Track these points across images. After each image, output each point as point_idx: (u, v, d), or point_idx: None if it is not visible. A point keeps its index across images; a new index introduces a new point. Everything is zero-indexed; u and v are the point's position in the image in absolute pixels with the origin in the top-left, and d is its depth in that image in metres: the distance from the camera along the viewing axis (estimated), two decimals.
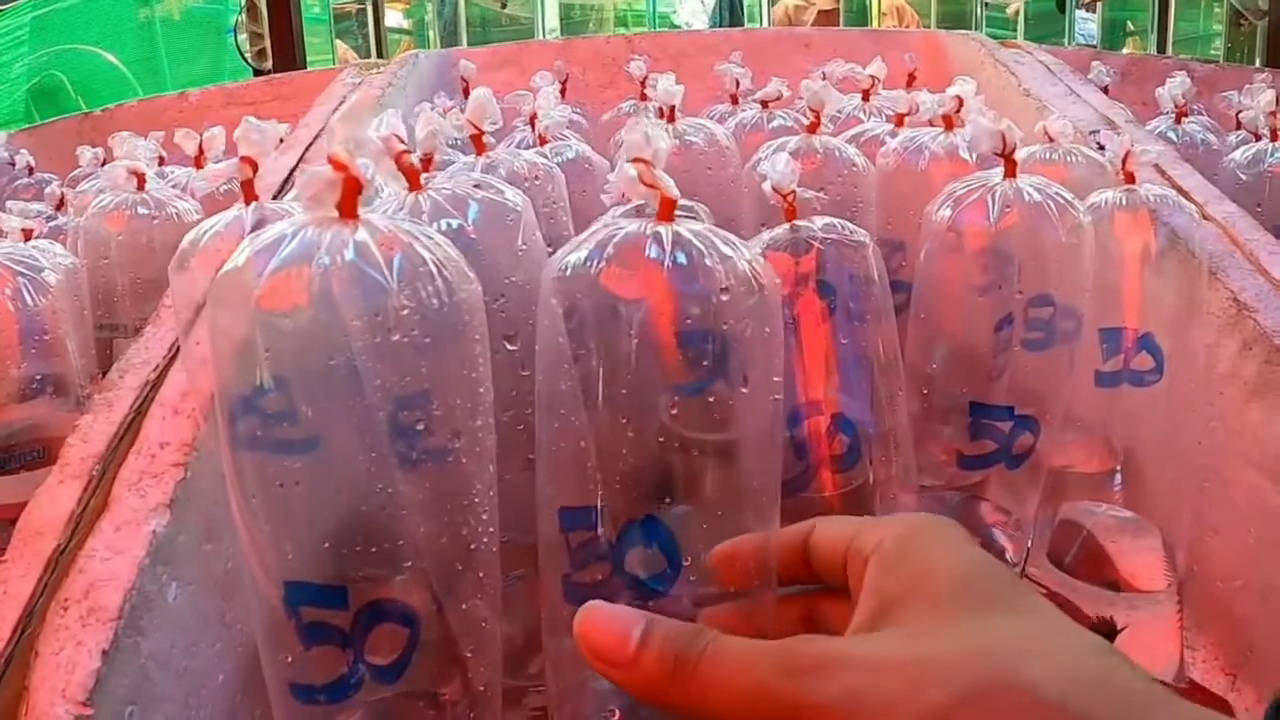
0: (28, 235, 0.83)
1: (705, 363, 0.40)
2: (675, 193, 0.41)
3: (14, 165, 1.40)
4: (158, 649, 0.46)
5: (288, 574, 0.37)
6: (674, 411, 0.39)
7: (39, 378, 0.73)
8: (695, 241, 0.40)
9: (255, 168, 0.53)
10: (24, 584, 0.47)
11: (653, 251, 0.39)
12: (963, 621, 0.30)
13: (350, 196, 0.35)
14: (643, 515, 0.40)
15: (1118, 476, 0.73)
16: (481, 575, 0.39)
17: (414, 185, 0.46)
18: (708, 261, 0.39)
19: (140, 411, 0.58)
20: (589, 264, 0.39)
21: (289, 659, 0.38)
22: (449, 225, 0.45)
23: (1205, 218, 0.79)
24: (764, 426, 0.41)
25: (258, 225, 0.52)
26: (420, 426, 0.36)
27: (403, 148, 0.45)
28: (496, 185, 0.48)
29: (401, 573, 0.38)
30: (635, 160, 0.41)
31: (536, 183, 0.59)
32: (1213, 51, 3.25)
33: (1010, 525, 0.73)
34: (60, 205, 1.17)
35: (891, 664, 0.29)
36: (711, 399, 0.40)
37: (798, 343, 0.57)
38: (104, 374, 0.78)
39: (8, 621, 0.46)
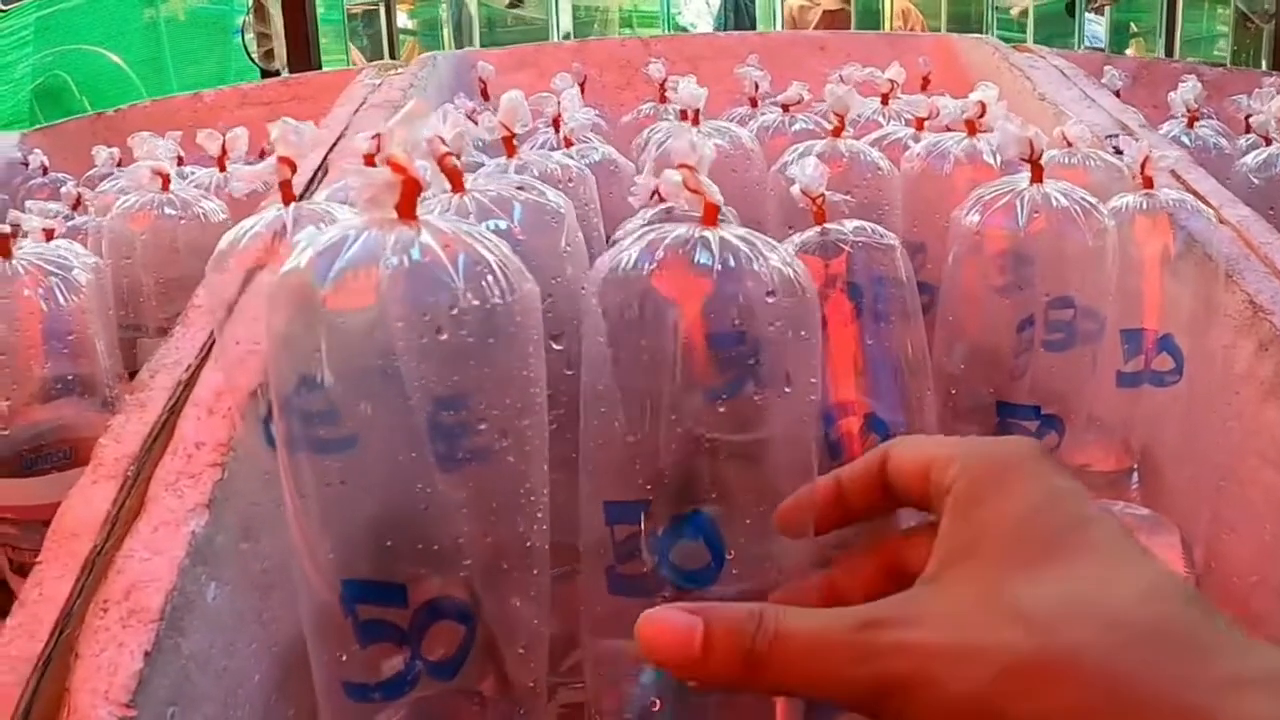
0: (49, 235, 0.84)
1: (750, 362, 0.41)
2: (719, 198, 0.42)
3: (27, 165, 1.40)
4: (198, 649, 0.47)
5: (345, 572, 0.37)
6: (721, 409, 0.41)
7: (68, 378, 0.73)
8: (741, 246, 0.41)
9: (294, 168, 0.53)
10: (61, 585, 0.48)
11: (701, 256, 0.40)
12: (1011, 585, 0.30)
13: (410, 198, 0.36)
14: (689, 510, 0.41)
15: (1134, 475, 0.74)
16: (535, 573, 0.39)
17: (457, 187, 0.47)
18: (754, 266, 0.41)
19: (174, 411, 0.59)
20: (639, 266, 0.40)
21: (343, 657, 0.39)
22: (496, 226, 0.45)
23: (1221, 221, 0.80)
24: (805, 425, 0.42)
25: (297, 225, 0.52)
26: (482, 425, 0.37)
27: (446, 150, 0.46)
28: (539, 187, 0.49)
29: (459, 570, 0.38)
30: (681, 166, 0.42)
31: (570, 184, 0.60)
32: (1217, 53, 3.26)
33: None
34: (76, 205, 1.17)
35: (940, 645, 0.30)
36: (757, 398, 0.41)
37: (828, 344, 0.58)
38: (129, 374, 0.79)
39: (45, 623, 0.46)
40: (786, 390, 0.41)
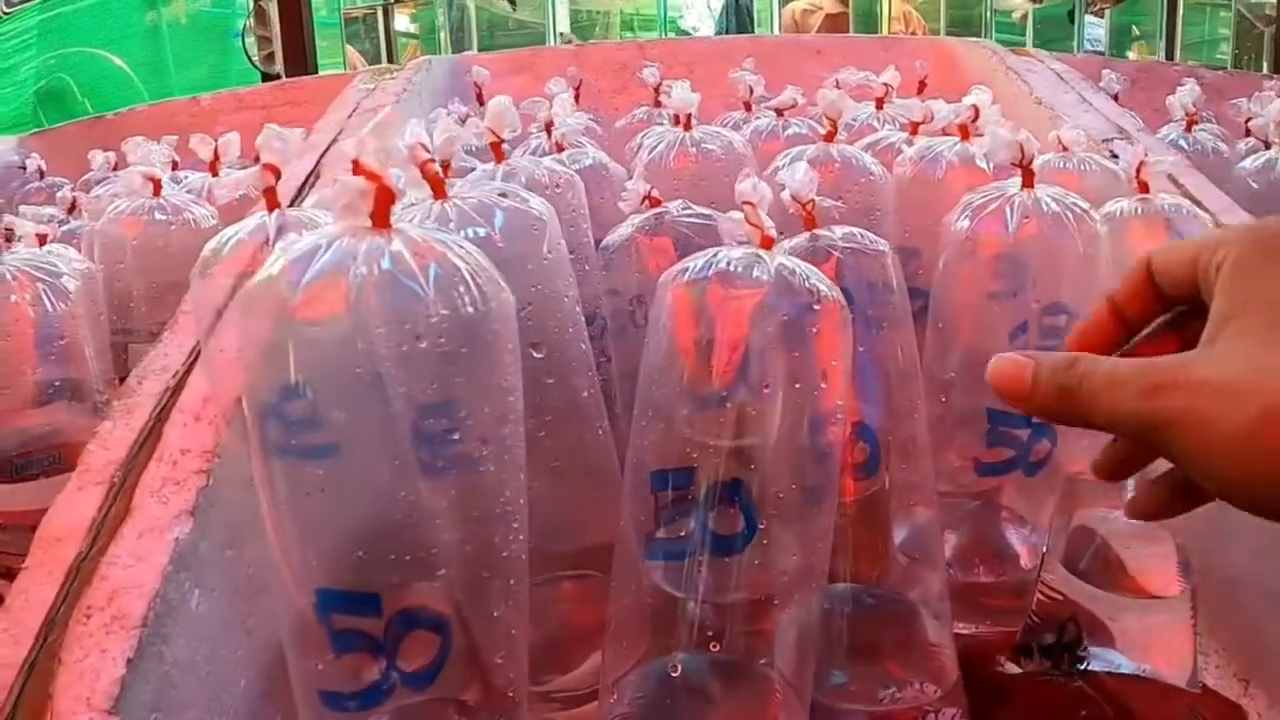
0: (42, 240, 0.83)
1: (796, 354, 0.47)
2: (774, 231, 0.50)
3: (25, 169, 1.40)
4: (181, 656, 0.47)
5: (319, 581, 0.37)
6: (766, 391, 0.47)
7: (57, 383, 0.73)
8: (788, 265, 0.48)
9: (278, 175, 0.53)
10: (45, 591, 0.48)
11: (759, 273, 0.47)
12: (1276, 342, 0.34)
13: (383, 207, 0.35)
14: (730, 479, 0.46)
15: (1130, 483, 0.73)
16: (512, 582, 0.39)
17: (439, 194, 0.47)
18: (806, 284, 0.48)
19: (160, 418, 0.59)
20: (703, 280, 0.47)
21: (319, 666, 0.38)
22: (476, 234, 0.45)
23: (1218, 227, 0.79)
24: (831, 417, 0.49)
25: (281, 232, 0.52)
26: (455, 435, 0.37)
27: (427, 156, 0.45)
28: (521, 194, 0.49)
29: (434, 580, 0.38)
30: (744, 203, 0.49)
31: (557, 190, 0.60)
32: (1218, 56, 3.25)
33: (1026, 532, 0.73)
34: (72, 209, 1.17)
35: (1211, 384, 0.34)
36: (797, 385, 0.47)
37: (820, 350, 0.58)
38: (119, 379, 0.79)
39: (29, 629, 0.46)
40: (823, 385, 0.48)
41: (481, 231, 0.45)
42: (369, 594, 0.37)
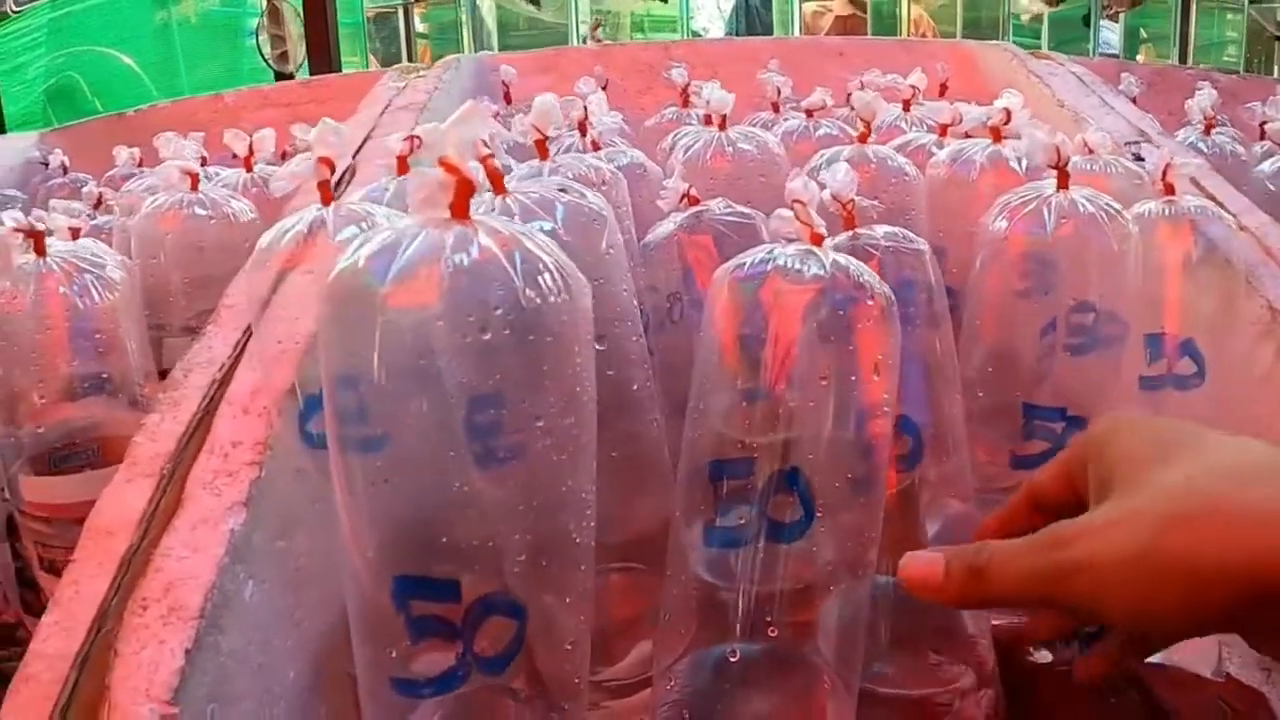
0: (75, 234, 0.84)
1: (850, 347, 0.49)
2: (824, 230, 0.51)
3: (47, 165, 1.41)
4: (236, 647, 0.47)
5: (397, 569, 0.38)
6: (823, 382, 0.48)
7: (99, 376, 0.74)
8: (840, 260, 0.50)
9: (332, 168, 0.53)
10: (97, 583, 0.48)
11: (812, 267, 0.49)
12: (1156, 474, 0.39)
13: (463, 198, 0.36)
14: (789, 466, 0.47)
15: None
16: (583, 569, 0.40)
17: (499, 189, 0.47)
18: (862, 279, 0.49)
19: (209, 410, 0.59)
20: (761, 274, 0.49)
21: (393, 654, 0.39)
22: (541, 227, 0.46)
23: (1241, 228, 0.80)
24: (880, 409, 0.50)
25: (337, 226, 0.53)
26: (539, 422, 0.37)
27: (488, 151, 0.46)
28: (579, 189, 0.49)
29: (512, 565, 0.39)
30: (795, 201, 0.50)
31: (604, 187, 0.60)
32: (1226, 58, 3.26)
33: None
34: (98, 204, 1.18)
35: (1111, 521, 0.38)
36: (852, 377, 0.49)
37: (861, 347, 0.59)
38: (160, 373, 0.79)
39: (82, 621, 0.46)
40: (877, 377, 0.50)
41: (546, 225, 0.46)
42: (449, 580, 0.38)
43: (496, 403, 0.38)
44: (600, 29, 3.84)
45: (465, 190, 0.36)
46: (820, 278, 0.48)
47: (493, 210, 0.47)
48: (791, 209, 0.50)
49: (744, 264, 0.49)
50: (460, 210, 0.37)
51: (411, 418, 0.37)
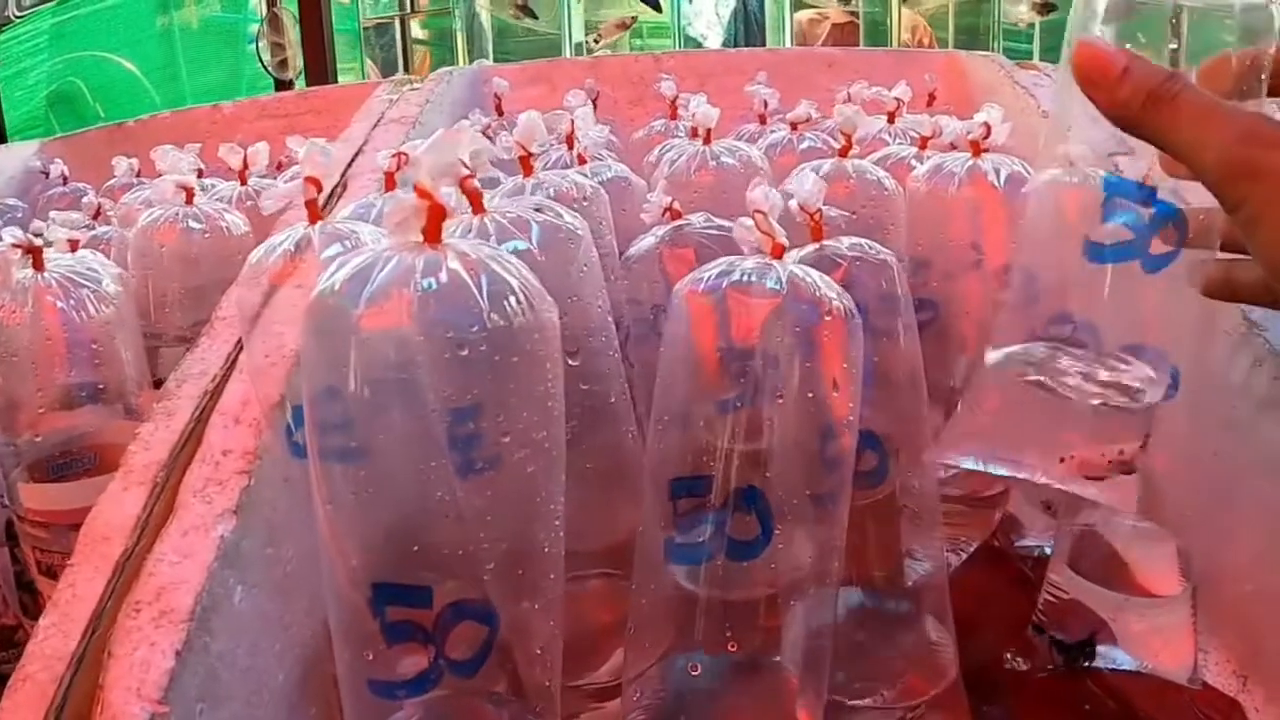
0: (74, 246, 0.85)
1: (808, 363, 0.49)
2: (786, 240, 0.51)
3: (47, 175, 1.43)
4: (225, 649, 0.48)
5: (374, 576, 0.39)
6: (779, 399, 0.48)
7: (95, 386, 0.75)
8: (799, 274, 0.49)
9: (319, 188, 0.55)
10: (93, 586, 0.49)
11: (771, 282, 0.48)
12: None
13: (435, 223, 0.38)
14: (746, 485, 0.47)
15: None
16: (552, 577, 0.41)
17: (477, 209, 0.49)
18: (814, 293, 0.49)
19: (201, 420, 0.60)
20: (718, 288, 0.48)
21: (370, 656, 0.40)
22: (515, 248, 0.47)
23: None
24: (843, 424, 0.50)
25: (323, 244, 0.54)
26: (505, 438, 0.39)
27: (467, 171, 0.47)
28: (555, 208, 0.51)
29: (482, 573, 0.40)
30: (755, 211, 0.50)
31: (584, 203, 0.62)
32: None
33: (1031, 534, 0.75)
34: (97, 215, 1.19)
35: None
36: (810, 393, 0.49)
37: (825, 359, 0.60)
38: (153, 383, 0.81)
39: (78, 622, 0.47)
40: (835, 393, 0.49)
41: (520, 245, 0.48)
42: (422, 586, 0.39)
43: (468, 418, 0.39)
44: (627, 29, 3.82)
45: (437, 215, 0.38)
46: (776, 291, 0.48)
47: (470, 230, 0.48)
48: (752, 218, 0.51)
49: (702, 278, 0.49)
50: (432, 235, 0.38)
51: (387, 433, 0.38)
